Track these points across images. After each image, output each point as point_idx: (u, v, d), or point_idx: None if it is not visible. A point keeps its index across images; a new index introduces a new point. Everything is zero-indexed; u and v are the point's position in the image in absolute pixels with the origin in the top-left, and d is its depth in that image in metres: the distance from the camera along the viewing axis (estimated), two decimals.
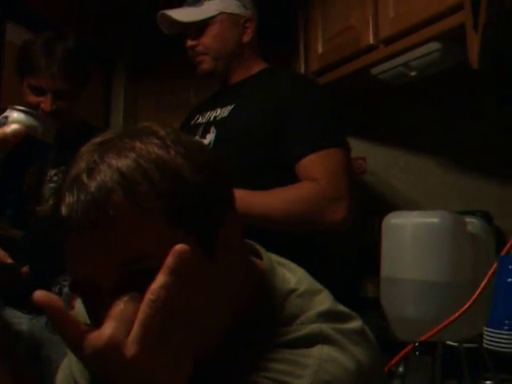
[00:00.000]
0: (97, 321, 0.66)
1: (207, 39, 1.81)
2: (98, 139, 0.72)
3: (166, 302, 0.62)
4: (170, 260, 0.62)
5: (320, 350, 0.74)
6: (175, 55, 2.28)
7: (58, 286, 1.84)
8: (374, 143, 2.47)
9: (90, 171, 0.67)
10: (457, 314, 1.26)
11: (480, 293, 1.26)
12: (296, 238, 1.60)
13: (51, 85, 1.89)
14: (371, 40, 1.96)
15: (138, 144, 0.70)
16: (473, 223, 1.55)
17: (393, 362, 1.21)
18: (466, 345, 1.18)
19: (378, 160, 2.47)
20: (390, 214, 1.57)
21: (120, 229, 0.67)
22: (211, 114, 1.82)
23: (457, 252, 1.44)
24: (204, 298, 0.72)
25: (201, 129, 1.81)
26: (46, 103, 1.89)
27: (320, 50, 2.27)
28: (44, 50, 1.90)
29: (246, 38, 1.83)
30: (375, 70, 1.98)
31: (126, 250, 0.67)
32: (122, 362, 0.61)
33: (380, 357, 0.80)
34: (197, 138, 1.78)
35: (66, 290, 1.84)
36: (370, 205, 2.28)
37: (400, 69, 1.90)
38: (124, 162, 0.68)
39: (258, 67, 1.86)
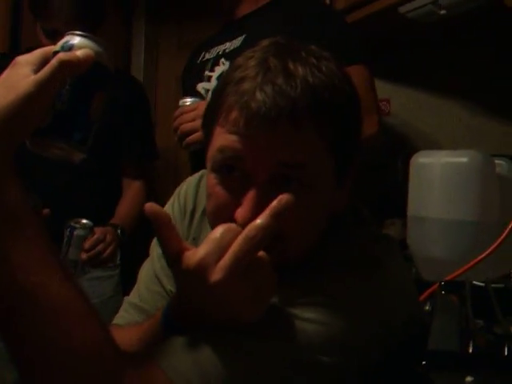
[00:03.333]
0: (219, 200, 0.78)
1: None
2: (268, 45, 0.82)
3: (262, 241, 0.67)
4: (274, 205, 0.69)
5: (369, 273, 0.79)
6: None
7: (69, 228, 1.85)
8: (399, 85, 2.43)
9: (287, 76, 0.75)
10: (484, 254, 1.25)
11: (508, 234, 1.25)
12: None
13: (64, 27, 1.84)
14: None
15: (313, 61, 0.79)
16: (501, 165, 1.53)
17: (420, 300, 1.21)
18: (493, 285, 1.17)
19: (403, 102, 2.42)
20: (418, 153, 1.55)
21: (296, 132, 0.75)
22: (219, 49, 1.78)
23: (485, 192, 1.42)
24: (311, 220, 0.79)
25: (209, 64, 1.77)
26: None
27: None
28: None
29: None
30: (403, 9, 1.92)
31: (292, 153, 0.75)
32: (205, 285, 0.67)
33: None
34: (206, 72, 1.75)
35: (76, 232, 1.85)
36: (394, 147, 2.25)
37: (429, 7, 1.85)
38: (315, 77, 0.77)
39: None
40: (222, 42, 1.79)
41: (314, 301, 0.75)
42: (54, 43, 1.86)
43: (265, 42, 0.83)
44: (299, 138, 0.76)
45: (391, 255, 0.86)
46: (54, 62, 0.68)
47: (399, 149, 2.21)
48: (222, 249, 0.67)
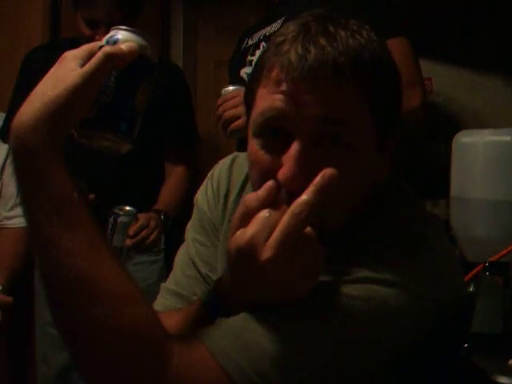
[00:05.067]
0: (263, 164, 0.78)
1: None
2: (308, 14, 0.83)
3: (308, 217, 0.68)
4: (318, 180, 0.69)
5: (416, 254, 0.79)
6: None
7: (113, 216, 1.88)
8: (441, 63, 2.38)
9: (328, 36, 0.76)
10: None
11: None
12: None
13: (104, 17, 1.88)
14: None
15: (354, 27, 0.80)
16: None
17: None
18: None
19: (445, 80, 2.38)
20: (460, 133, 1.53)
21: (337, 88, 0.75)
22: (260, 34, 1.77)
23: None
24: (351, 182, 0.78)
25: (251, 49, 1.77)
26: (101, 36, 1.88)
27: None
28: None
29: None
30: None
31: (334, 109, 0.75)
32: (256, 263, 0.68)
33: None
34: (248, 57, 1.75)
35: (120, 219, 1.88)
36: (437, 126, 2.22)
37: None
38: (355, 41, 0.77)
39: None
40: (262, 27, 1.78)
41: (361, 278, 0.75)
42: (95, 33, 1.89)
43: (304, 14, 0.84)
44: (341, 95, 0.76)
45: (438, 235, 0.86)
46: (99, 54, 0.72)
47: (443, 128, 2.18)
48: (270, 227, 0.69)
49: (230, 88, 1.61)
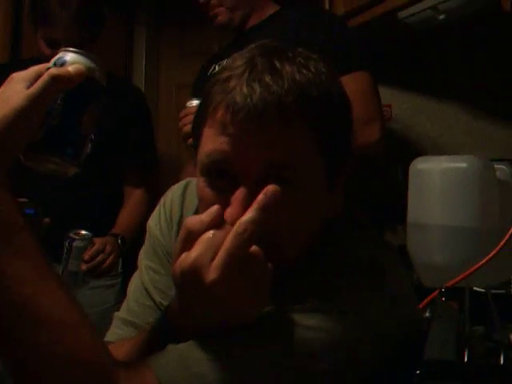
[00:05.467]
0: (210, 202, 0.75)
1: None
2: (255, 47, 0.83)
3: (252, 235, 0.67)
4: (260, 197, 0.69)
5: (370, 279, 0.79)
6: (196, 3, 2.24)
7: (68, 240, 1.85)
8: (400, 90, 2.42)
9: (274, 73, 0.75)
10: (484, 260, 1.24)
11: (508, 239, 1.24)
12: None
13: (64, 36, 1.87)
14: None
15: (301, 60, 0.79)
16: (501, 170, 1.52)
17: (419, 307, 1.20)
18: (493, 291, 1.17)
19: (404, 107, 2.42)
20: (417, 159, 1.54)
21: (283, 130, 0.74)
22: None
23: (485, 198, 1.41)
24: (301, 220, 0.78)
25: None
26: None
27: None
28: (53, 2, 1.87)
29: None
30: (402, 14, 1.92)
31: (280, 153, 0.75)
32: (202, 285, 0.67)
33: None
34: None
35: (75, 243, 1.85)
36: (395, 152, 2.25)
37: (428, 12, 1.85)
38: (302, 76, 0.76)
39: (271, 9, 1.81)
40: (229, 55, 1.79)
41: (313, 307, 0.74)
42: (55, 53, 1.88)
43: (252, 45, 0.84)
44: (287, 136, 0.75)
45: (390, 260, 0.86)
46: (45, 76, 0.70)
47: (400, 154, 2.20)
48: (214, 248, 0.68)
49: (194, 102, 1.62)
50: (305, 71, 0.77)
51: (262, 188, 0.72)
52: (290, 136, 0.75)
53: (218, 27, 1.82)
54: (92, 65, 0.75)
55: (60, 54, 0.76)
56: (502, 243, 1.24)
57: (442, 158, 1.50)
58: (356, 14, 2.13)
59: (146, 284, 0.99)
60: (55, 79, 0.70)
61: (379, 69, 1.67)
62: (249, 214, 0.68)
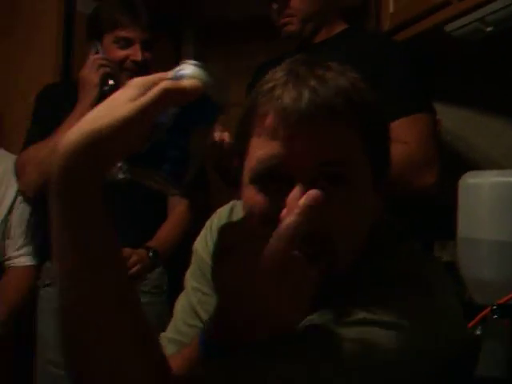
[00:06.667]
0: (263, 207, 0.78)
1: (295, 1, 1.76)
2: (290, 61, 0.84)
3: (293, 238, 0.68)
4: (302, 201, 0.69)
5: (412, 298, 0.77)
6: (245, 15, 2.27)
7: None
8: (448, 103, 2.39)
9: (317, 78, 0.78)
10: None
11: None
12: None
13: (140, 34, 2.01)
14: None
15: (338, 68, 0.82)
16: None
17: (470, 325, 1.18)
18: None
19: (453, 121, 2.38)
20: (466, 174, 1.52)
21: (332, 129, 0.77)
22: None
23: None
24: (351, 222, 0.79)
25: None
26: (136, 53, 2.00)
27: (391, 8, 2.19)
28: (125, 6, 2.03)
29: None
30: (449, 27, 1.90)
31: (332, 151, 0.77)
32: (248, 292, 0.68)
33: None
34: None
35: None
36: (443, 166, 2.22)
37: (475, 24, 1.83)
38: (344, 81, 0.79)
39: (339, 27, 1.82)
40: None
41: (359, 320, 0.74)
42: (128, 53, 2.05)
43: (286, 60, 0.85)
44: (337, 136, 0.78)
45: (437, 274, 0.85)
46: (157, 88, 0.65)
47: (449, 168, 2.17)
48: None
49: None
50: (345, 78, 0.80)
51: (318, 188, 0.72)
52: (338, 135, 0.78)
53: (285, 36, 1.82)
54: (210, 81, 0.70)
55: (180, 66, 0.71)
56: None
57: (492, 172, 1.48)
58: (402, 28, 2.12)
59: (195, 305, 0.99)
60: (167, 93, 0.65)
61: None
62: (290, 217, 0.69)
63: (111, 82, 1.97)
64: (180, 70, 0.71)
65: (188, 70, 0.70)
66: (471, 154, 2.36)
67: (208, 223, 1.07)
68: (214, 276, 0.74)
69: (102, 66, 1.99)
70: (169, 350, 0.95)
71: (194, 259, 1.05)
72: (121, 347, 0.66)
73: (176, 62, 0.73)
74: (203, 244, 1.04)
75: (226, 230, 0.73)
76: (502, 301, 1.18)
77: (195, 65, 0.71)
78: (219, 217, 1.06)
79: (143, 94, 0.65)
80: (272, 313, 0.69)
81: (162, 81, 0.67)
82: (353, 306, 0.75)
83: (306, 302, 0.71)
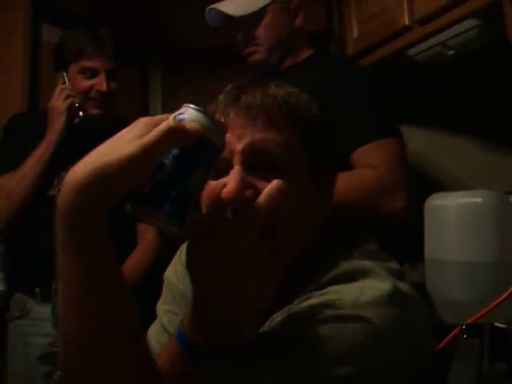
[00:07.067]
0: (209, 189, 0.82)
1: (261, 31, 1.77)
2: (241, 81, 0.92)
3: (261, 223, 0.73)
4: (268, 188, 0.74)
5: (363, 283, 0.81)
6: (211, 44, 2.28)
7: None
8: (412, 126, 2.43)
9: (259, 89, 0.87)
10: (505, 295, 1.23)
11: None
12: None
13: (104, 64, 2.01)
14: (406, 21, 1.94)
15: (284, 87, 0.91)
16: None
17: (440, 345, 1.19)
18: None
19: (417, 142, 2.42)
20: (432, 196, 1.54)
21: (269, 123, 0.85)
22: None
23: (502, 232, 1.41)
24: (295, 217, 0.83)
25: None
26: (101, 83, 2.00)
27: (355, 33, 2.25)
28: (90, 36, 2.03)
29: (298, 23, 1.80)
30: (412, 51, 1.95)
31: (266, 138, 0.84)
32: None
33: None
34: None
35: None
36: (412, 188, 2.25)
37: (437, 48, 1.87)
38: (282, 91, 0.89)
39: (305, 52, 1.82)
40: None
41: (328, 317, 0.77)
42: (93, 83, 2.05)
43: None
44: (273, 129, 0.85)
45: (398, 274, 0.88)
46: (162, 126, 0.67)
47: (415, 190, 2.20)
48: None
49: None
50: (289, 93, 0.90)
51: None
52: (275, 129, 0.85)
53: (252, 64, 1.83)
54: (210, 125, 0.72)
55: (181, 110, 0.73)
56: None
57: (457, 193, 1.50)
58: (366, 53, 2.16)
59: (166, 325, 1.02)
60: (171, 131, 0.67)
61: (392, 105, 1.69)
62: (257, 202, 0.73)
63: (81, 113, 1.98)
64: (180, 113, 0.73)
65: (188, 114, 0.73)
66: (438, 175, 2.40)
67: (177, 254, 1.10)
68: (188, 267, 0.76)
69: (69, 96, 1.99)
70: None
71: (164, 286, 1.08)
72: (122, 373, 0.70)
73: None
74: (173, 271, 1.07)
75: (195, 223, 0.75)
76: (470, 320, 1.19)
77: (195, 109, 0.73)
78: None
79: (149, 131, 0.67)
80: (241, 296, 0.73)
81: (163, 119, 0.70)
82: (317, 304, 0.78)
83: (272, 287, 0.74)
